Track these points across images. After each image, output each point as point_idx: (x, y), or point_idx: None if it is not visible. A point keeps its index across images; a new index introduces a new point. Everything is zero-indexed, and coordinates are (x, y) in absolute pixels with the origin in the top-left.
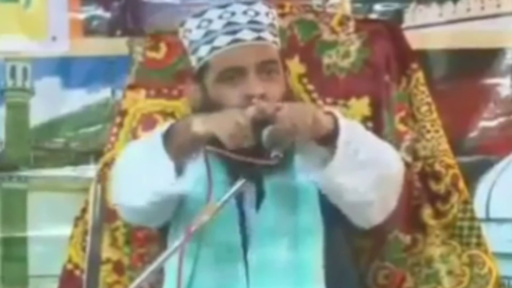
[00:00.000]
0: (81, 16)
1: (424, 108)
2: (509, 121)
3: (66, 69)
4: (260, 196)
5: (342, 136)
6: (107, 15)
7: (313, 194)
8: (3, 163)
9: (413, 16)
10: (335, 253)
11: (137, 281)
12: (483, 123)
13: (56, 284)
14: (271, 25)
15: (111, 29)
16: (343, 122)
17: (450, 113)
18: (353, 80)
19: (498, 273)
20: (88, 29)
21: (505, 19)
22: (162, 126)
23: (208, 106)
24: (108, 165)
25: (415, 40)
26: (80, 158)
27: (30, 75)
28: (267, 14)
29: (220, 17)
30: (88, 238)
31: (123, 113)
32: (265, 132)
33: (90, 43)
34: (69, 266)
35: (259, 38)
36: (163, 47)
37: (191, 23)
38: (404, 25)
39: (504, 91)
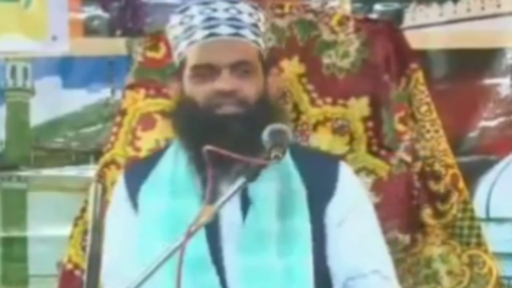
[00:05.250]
0: (81, 16)
1: (423, 108)
2: (509, 121)
3: (67, 69)
4: (244, 201)
5: None
6: (107, 15)
7: (302, 197)
8: (3, 163)
9: (413, 16)
10: (324, 257)
11: (138, 281)
12: (483, 123)
13: (56, 284)
14: (254, 25)
15: (111, 29)
16: None
17: (449, 113)
18: (352, 80)
19: (498, 273)
20: (88, 29)
21: (505, 19)
22: None
23: (184, 103)
24: (108, 164)
25: (415, 40)
26: (80, 158)
27: (31, 75)
28: (250, 14)
29: (201, 12)
30: (88, 237)
31: (123, 113)
32: (265, 132)
33: (90, 43)
34: (69, 266)
35: (236, 34)
36: (162, 47)
37: (174, 19)
38: (404, 25)
39: (504, 91)
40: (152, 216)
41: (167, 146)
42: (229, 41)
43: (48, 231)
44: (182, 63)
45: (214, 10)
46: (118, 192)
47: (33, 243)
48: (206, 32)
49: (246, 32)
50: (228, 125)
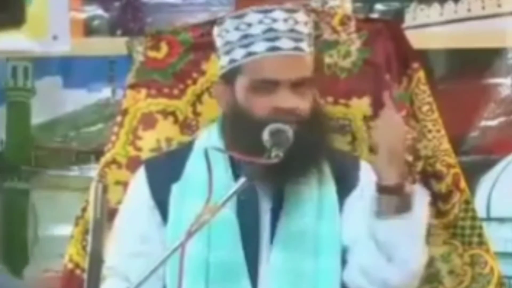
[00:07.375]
0: (82, 15)
1: (425, 108)
2: (509, 121)
3: (67, 69)
4: (277, 205)
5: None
6: (108, 15)
7: (334, 205)
8: (4, 163)
9: (414, 15)
10: None
11: (138, 281)
12: (483, 123)
13: (57, 284)
14: (309, 35)
15: (112, 29)
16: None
17: (450, 112)
18: (354, 79)
19: (500, 272)
20: (89, 28)
21: (505, 19)
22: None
23: (237, 111)
24: (109, 164)
25: (415, 39)
26: (81, 158)
27: (31, 75)
28: (306, 23)
29: (261, 22)
30: (89, 237)
31: (124, 113)
32: (266, 131)
33: (91, 42)
34: (70, 266)
35: (296, 48)
36: (163, 47)
37: (230, 23)
38: (405, 25)
39: (504, 91)
40: (188, 218)
41: (190, 143)
42: (291, 57)
43: (49, 231)
44: (236, 71)
45: (274, 20)
46: (139, 190)
47: (33, 243)
48: (268, 44)
49: (303, 45)
50: None
